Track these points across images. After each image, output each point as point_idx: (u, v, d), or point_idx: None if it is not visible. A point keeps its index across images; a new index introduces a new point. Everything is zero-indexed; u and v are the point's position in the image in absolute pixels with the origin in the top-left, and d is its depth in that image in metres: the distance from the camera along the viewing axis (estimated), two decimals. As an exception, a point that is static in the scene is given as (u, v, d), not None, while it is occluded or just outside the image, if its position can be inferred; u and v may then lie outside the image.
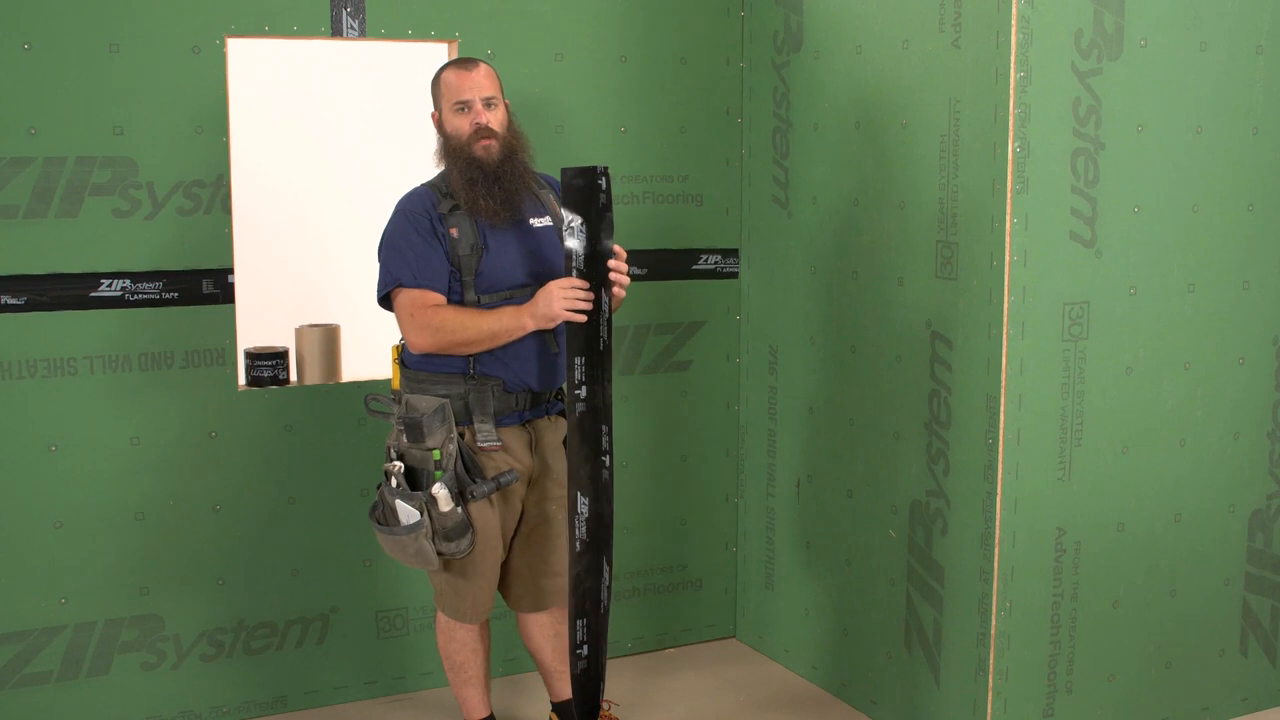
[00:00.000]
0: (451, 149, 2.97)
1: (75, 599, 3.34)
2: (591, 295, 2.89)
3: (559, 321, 2.89)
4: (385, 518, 2.99)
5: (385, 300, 3.00)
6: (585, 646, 3.06)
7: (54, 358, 3.26)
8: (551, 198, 3.10)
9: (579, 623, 3.04)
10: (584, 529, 2.99)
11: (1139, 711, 3.37)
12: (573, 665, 3.08)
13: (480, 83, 2.97)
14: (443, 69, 3.03)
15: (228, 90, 3.37)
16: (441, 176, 3.04)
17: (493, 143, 2.95)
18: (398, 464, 2.95)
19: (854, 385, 3.58)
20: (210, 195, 3.36)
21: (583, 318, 2.89)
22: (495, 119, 2.98)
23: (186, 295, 3.37)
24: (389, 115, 4.78)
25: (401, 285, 2.93)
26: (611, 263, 2.93)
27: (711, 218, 4.01)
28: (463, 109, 2.97)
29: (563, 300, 2.87)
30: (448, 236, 2.94)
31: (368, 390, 3.58)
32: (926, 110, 3.22)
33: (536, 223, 3.05)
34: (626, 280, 2.98)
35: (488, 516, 3.00)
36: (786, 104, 3.80)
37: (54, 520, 3.30)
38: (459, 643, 3.17)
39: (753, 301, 4.03)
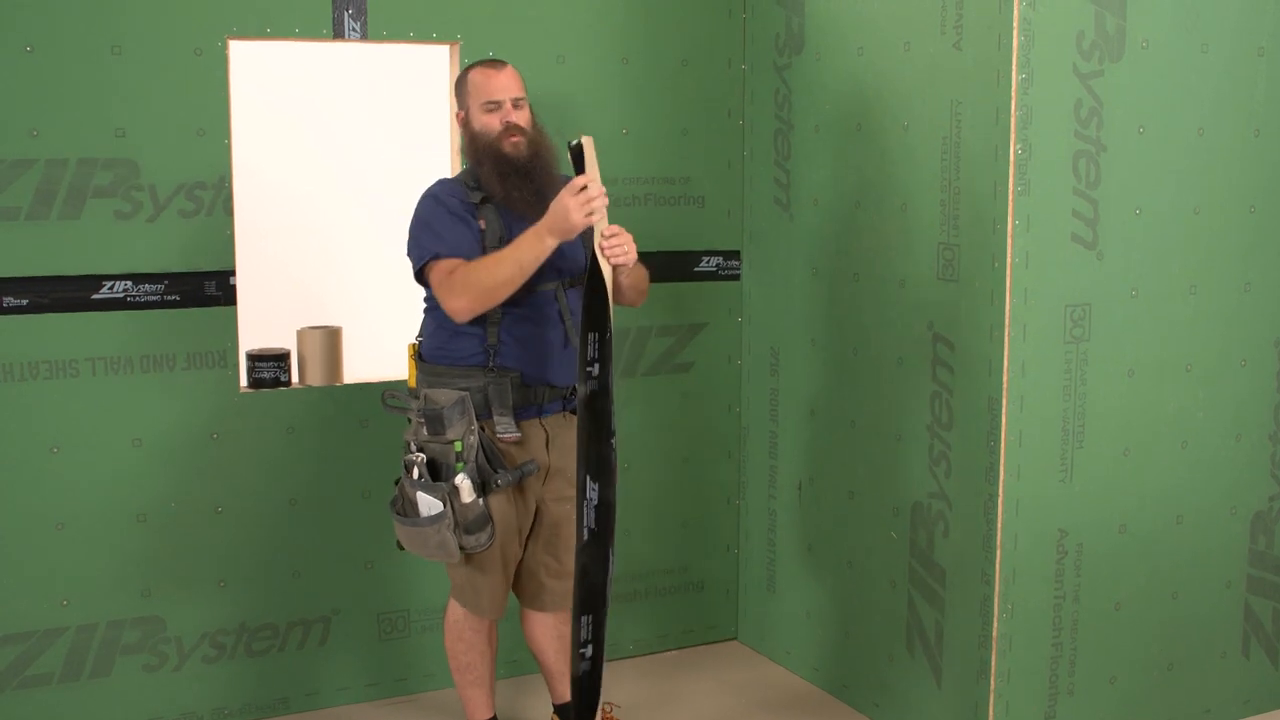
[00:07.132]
0: (481, 145, 3.00)
1: (77, 600, 3.34)
2: (603, 195, 2.78)
3: (578, 231, 2.79)
4: (405, 510, 3.01)
5: (420, 276, 2.99)
6: (590, 646, 2.92)
7: (56, 359, 3.26)
8: None
9: (584, 619, 2.89)
10: (592, 517, 2.86)
11: (1140, 714, 3.36)
12: (575, 665, 2.94)
13: (509, 83, 3.03)
14: (470, 69, 3.08)
15: (229, 92, 3.37)
16: (467, 173, 3.08)
17: (521, 140, 3.00)
18: (420, 454, 2.96)
19: (855, 387, 3.58)
20: (212, 197, 3.36)
21: (601, 218, 2.79)
22: (523, 118, 3.03)
23: (188, 297, 3.37)
24: (391, 117, 4.78)
25: (438, 257, 2.93)
26: (607, 243, 2.85)
27: (713, 220, 4.01)
28: (493, 108, 3.01)
29: (579, 207, 2.76)
30: (477, 226, 2.98)
31: (369, 392, 3.58)
32: (928, 112, 3.22)
33: None
34: (622, 251, 2.86)
35: (505, 511, 3.02)
36: (788, 106, 3.80)
37: (56, 522, 3.30)
38: (467, 643, 3.17)
39: (754, 303, 4.02)
